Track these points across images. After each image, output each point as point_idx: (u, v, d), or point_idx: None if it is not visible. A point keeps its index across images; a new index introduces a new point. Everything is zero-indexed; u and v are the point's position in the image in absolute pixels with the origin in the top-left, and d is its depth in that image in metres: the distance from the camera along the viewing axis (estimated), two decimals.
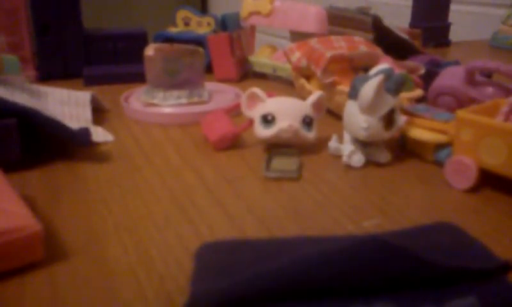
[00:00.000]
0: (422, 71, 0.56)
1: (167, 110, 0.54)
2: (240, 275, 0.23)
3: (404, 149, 0.46)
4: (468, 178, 0.38)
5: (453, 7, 1.06)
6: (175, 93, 0.55)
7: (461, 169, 0.38)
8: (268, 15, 0.72)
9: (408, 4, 1.06)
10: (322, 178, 0.41)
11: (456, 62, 0.59)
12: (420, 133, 0.43)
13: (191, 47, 0.58)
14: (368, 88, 0.40)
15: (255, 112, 0.45)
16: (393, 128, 0.42)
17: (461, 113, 0.38)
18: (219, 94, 0.60)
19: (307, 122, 0.44)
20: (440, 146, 0.42)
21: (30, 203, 0.31)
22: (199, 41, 0.71)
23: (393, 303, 0.23)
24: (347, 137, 0.44)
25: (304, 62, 0.56)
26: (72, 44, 0.69)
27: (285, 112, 0.44)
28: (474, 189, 0.38)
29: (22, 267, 0.28)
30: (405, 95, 0.51)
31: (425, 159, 0.44)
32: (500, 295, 0.24)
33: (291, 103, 0.45)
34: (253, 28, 0.78)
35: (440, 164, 0.42)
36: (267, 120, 0.44)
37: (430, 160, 0.43)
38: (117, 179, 0.40)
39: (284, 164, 0.42)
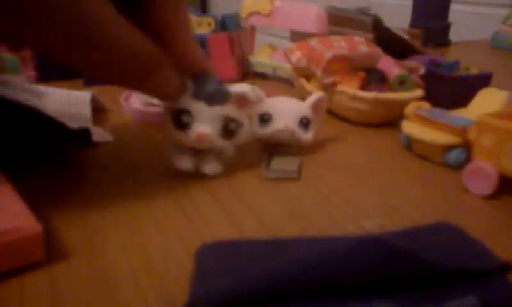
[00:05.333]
0: (422, 71, 0.56)
1: None
2: (240, 276, 0.23)
3: (410, 150, 0.46)
4: (488, 185, 0.37)
5: (453, 7, 1.06)
6: None
7: (481, 175, 0.37)
8: (268, 15, 0.72)
9: (408, 4, 1.06)
10: (322, 178, 0.41)
11: (456, 63, 0.59)
12: (428, 134, 0.43)
13: None
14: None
15: (253, 112, 0.45)
16: (233, 140, 0.39)
17: (482, 118, 0.37)
18: None
19: (304, 123, 0.44)
20: (449, 148, 0.42)
21: (30, 203, 0.31)
22: (199, 41, 0.71)
23: (393, 303, 0.23)
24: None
25: (304, 62, 0.56)
26: None
27: (282, 112, 0.44)
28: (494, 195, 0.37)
29: (22, 267, 0.28)
30: (405, 95, 0.51)
31: (434, 161, 0.43)
32: (500, 295, 0.24)
33: (289, 103, 0.45)
34: (253, 28, 0.78)
35: (449, 165, 0.42)
36: (264, 119, 0.44)
37: (438, 162, 0.43)
38: (117, 179, 0.40)
39: (284, 163, 0.42)
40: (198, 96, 0.37)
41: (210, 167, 0.40)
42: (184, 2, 0.36)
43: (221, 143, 0.39)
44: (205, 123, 0.38)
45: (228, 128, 0.39)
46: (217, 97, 0.38)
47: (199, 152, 0.40)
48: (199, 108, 0.38)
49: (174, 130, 0.38)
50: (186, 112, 0.38)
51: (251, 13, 0.74)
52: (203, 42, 0.71)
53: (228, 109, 0.38)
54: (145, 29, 0.33)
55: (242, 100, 0.39)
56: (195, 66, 0.38)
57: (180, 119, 0.38)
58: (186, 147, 0.39)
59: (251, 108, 0.40)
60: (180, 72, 0.36)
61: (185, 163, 0.39)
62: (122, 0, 0.32)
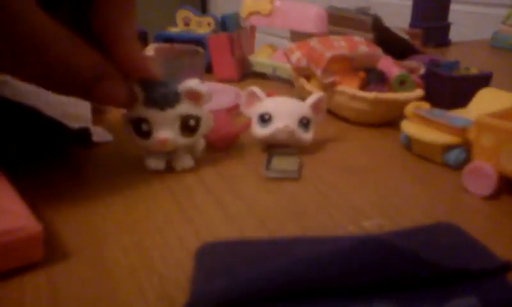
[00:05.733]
0: (422, 71, 0.56)
1: None
2: (240, 275, 0.23)
3: (410, 150, 0.46)
4: (488, 185, 0.37)
5: (453, 7, 1.06)
6: None
7: (481, 175, 0.37)
8: (268, 15, 0.72)
9: (408, 4, 1.06)
10: (322, 178, 0.41)
11: (456, 63, 0.59)
12: (428, 134, 0.43)
13: (191, 47, 0.58)
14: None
15: (253, 111, 0.45)
16: (195, 135, 0.39)
17: (482, 118, 0.37)
18: (219, 94, 0.60)
19: (304, 123, 0.44)
20: (448, 148, 0.42)
21: (30, 203, 0.31)
22: (199, 41, 0.71)
23: (393, 303, 0.23)
24: None
25: (304, 62, 0.56)
26: None
27: (282, 112, 0.44)
28: (493, 196, 0.37)
29: (22, 267, 0.28)
30: (405, 95, 0.51)
31: (434, 161, 0.43)
32: (500, 295, 0.24)
33: (289, 103, 0.45)
34: (253, 28, 0.78)
35: (449, 165, 0.42)
36: (264, 119, 0.44)
37: (438, 162, 0.43)
38: (117, 179, 0.40)
39: (284, 163, 0.42)
40: (149, 103, 0.38)
41: (181, 163, 0.41)
42: (131, 12, 0.36)
43: (185, 141, 0.39)
44: (163, 128, 0.38)
45: (188, 125, 0.39)
46: (167, 100, 0.38)
47: (169, 151, 0.40)
48: (154, 114, 0.38)
49: (137, 139, 0.39)
50: (143, 120, 0.38)
51: (251, 13, 0.74)
52: (203, 42, 0.72)
53: (182, 108, 0.38)
54: (92, 39, 0.33)
55: (193, 95, 0.39)
56: (139, 73, 0.37)
57: (139, 128, 0.38)
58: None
59: (205, 100, 0.40)
60: (127, 80, 0.36)
61: (155, 164, 0.40)
62: (68, 10, 0.32)
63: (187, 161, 0.41)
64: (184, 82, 0.39)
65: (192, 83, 0.38)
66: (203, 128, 0.40)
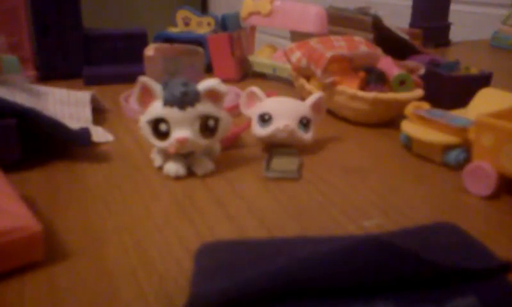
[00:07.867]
0: (422, 71, 0.56)
1: None
2: (240, 275, 0.23)
3: (410, 150, 0.46)
4: (488, 185, 0.37)
5: (453, 7, 1.06)
6: None
7: (481, 175, 0.37)
8: (268, 15, 0.72)
9: (408, 4, 1.06)
10: (322, 178, 0.41)
11: (456, 63, 0.59)
12: (428, 134, 0.43)
13: (191, 47, 0.58)
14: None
15: (253, 111, 0.45)
16: (214, 137, 0.39)
17: (482, 118, 0.37)
18: None
19: (304, 123, 0.44)
20: (449, 148, 0.42)
21: (30, 203, 0.31)
22: (199, 41, 0.71)
23: (393, 303, 0.23)
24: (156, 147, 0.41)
25: (304, 62, 0.56)
26: (72, 44, 0.69)
27: (282, 112, 0.44)
28: (494, 196, 0.37)
29: (22, 267, 0.28)
30: (405, 95, 0.51)
31: (434, 161, 0.43)
32: (500, 295, 0.24)
33: (289, 103, 0.45)
34: (253, 28, 0.78)
35: (449, 165, 0.42)
36: (264, 119, 0.44)
37: (438, 162, 0.43)
38: (117, 179, 0.40)
39: (284, 163, 0.42)
40: (168, 102, 0.37)
41: (202, 168, 0.40)
42: None
43: (204, 142, 0.39)
44: (182, 127, 0.37)
45: (208, 126, 0.38)
46: (187, 99, 0.37)
47: (189, 154, 0.40)
48: (173, 114, 0.37)
49: (155, 140, 0.38)
50: (162, 120, 0.38)
51: (251, 13, 0.74)
52: (203, 42, 0.71)
53: (202, 107, 0.38)
54: None
55: (213, 95, 0.38)
56: None
57: (158, 129, 0.38)
58: (172, 154, 0.39)
59: (223, 100, 0.39)
60: None
61: (175, 169, 0.40)
62: None
63: (207, 165, 0.40)
64: (203, 82, 0.38)
65: (213, 82, 0.38)
66: (222, 130, 0.39)
